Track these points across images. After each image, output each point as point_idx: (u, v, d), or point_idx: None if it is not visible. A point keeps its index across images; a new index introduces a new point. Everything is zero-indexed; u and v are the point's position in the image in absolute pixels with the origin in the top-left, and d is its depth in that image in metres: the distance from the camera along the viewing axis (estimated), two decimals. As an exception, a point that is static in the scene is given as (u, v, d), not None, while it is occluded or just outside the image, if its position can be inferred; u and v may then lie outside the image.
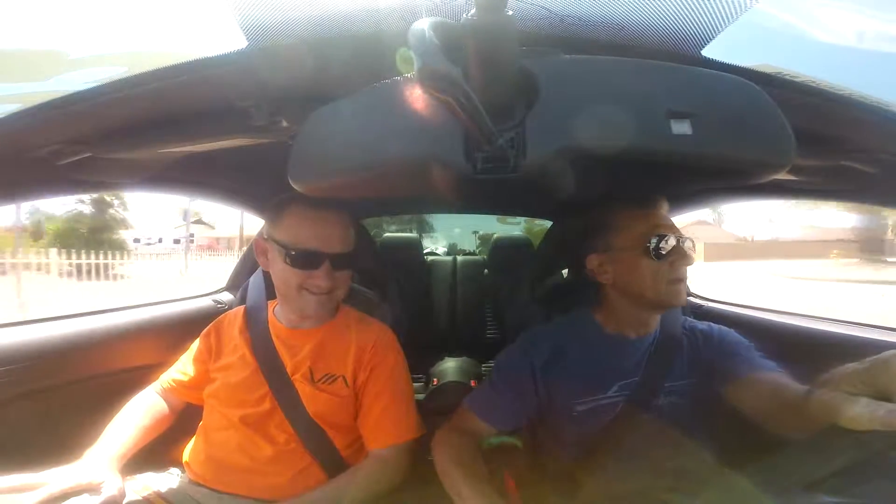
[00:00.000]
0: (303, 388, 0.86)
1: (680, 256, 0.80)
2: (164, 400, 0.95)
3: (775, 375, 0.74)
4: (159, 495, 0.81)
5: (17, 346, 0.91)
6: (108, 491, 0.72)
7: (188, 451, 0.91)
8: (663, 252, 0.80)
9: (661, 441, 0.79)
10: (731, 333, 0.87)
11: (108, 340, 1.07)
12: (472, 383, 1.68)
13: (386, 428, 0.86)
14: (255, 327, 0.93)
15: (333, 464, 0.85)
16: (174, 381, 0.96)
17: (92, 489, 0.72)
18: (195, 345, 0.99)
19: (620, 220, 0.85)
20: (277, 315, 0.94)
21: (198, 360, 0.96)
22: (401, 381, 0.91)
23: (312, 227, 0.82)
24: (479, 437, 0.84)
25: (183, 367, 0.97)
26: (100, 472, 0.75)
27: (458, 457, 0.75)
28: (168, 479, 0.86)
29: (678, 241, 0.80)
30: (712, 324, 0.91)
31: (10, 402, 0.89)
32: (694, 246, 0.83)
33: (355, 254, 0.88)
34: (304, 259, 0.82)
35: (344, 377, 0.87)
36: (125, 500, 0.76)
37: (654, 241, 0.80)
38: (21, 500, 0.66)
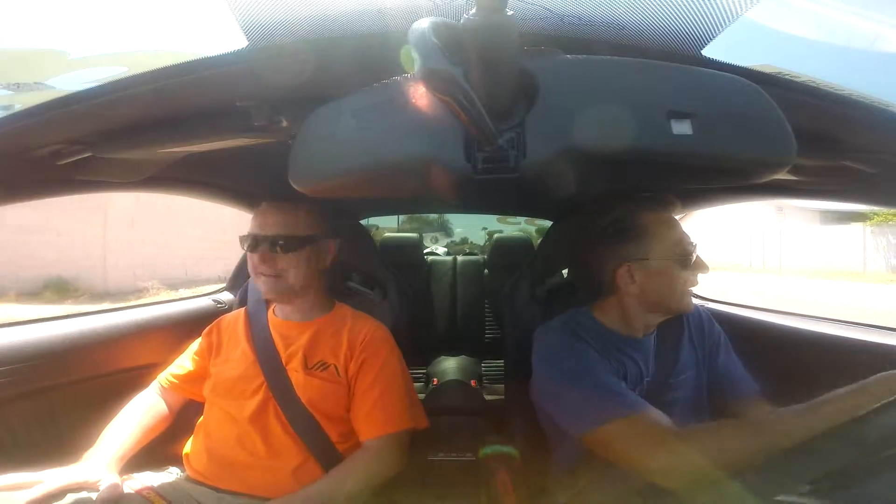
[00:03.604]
0: (297, 377, 0.88)
1: (701, 265, 0.79)
2: (163, 399, 0.96)
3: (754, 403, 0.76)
4: (158, 494, 0.81)
5: (17, 346, 0.91)
6: (105, 490, 0.72)
7: (187, 449, 0.92)
8: (693, 260, 0.77)
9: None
10: (719, 330, 0.88)
11: (108, 340, 1.07)
12: (472, 383, 1.68)
13: (378, 418, 0.87)
14: (256, 324, 0.96)
15: (330, 459, 0.86)
16: (174, 376, 0.98)
17: (88, 488, 0.72)
18: (196, 342, 1.00)
19: (652, 225, 0.79)
20: (275, 310, 0.98)
21: (198, 355, 0.98)
22: (394, 373, 0.92)
23: (256, 216, 0.92)
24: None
25: (182, 364, 0.99)
26: (97, 471, 0.76)
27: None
28: (167, 478, 0.87)
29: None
30: (701, 308, 0.91)
31: (10, 402, 0.89)
32: None
33: (302, 239, 0.91)
34: (249, 243, 0.91)
35: (336, 366, 0.90)
36: (125, 499, 0.76)
37: (686, 248, 0.77)
38: (16, 497, 0.66)
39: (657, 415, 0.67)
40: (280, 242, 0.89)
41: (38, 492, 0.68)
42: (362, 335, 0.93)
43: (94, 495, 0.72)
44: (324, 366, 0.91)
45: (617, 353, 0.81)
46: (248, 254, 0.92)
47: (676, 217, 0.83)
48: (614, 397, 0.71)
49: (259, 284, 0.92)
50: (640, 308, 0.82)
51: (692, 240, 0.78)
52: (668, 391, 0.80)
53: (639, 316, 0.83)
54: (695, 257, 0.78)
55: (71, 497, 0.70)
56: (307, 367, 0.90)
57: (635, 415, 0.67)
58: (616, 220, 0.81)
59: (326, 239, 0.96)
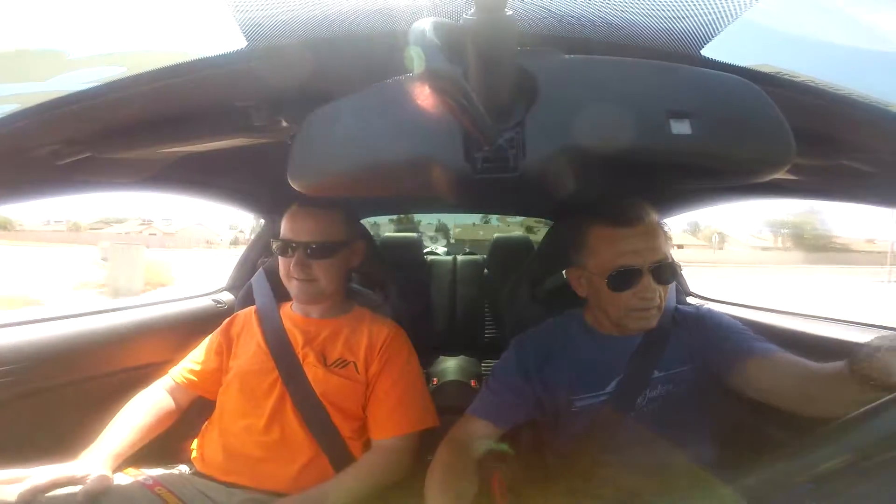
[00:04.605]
0: (315, 372, 0.89)
1: (643, 289, 0.76)
2: (173, 396, 0.97)
3: (782, 355, 0.74)
4: (168, 489, 0.81)
5: (17, 346, 0.91)
6: (91, 482, 0.72)
7: (198, 444, 0.92)
8: (623, 286, 0.77)
9: (648, 439, 0.79)
10: (719, 315, 0.86)
11: (108, 340, 1.07)
12: (472, 383, 1.67)
13: (396, 418, 0.88)
14: (268, 320, 0.98)
15: (341, 457, 0.86)
16: (189, 372, 0.98)
17: (77, 482, 0.72)
18: (209, 340, 1.01)
19: (592, 239, 0.82)
20: (292, 305, 1.00)
21: (214, 352, 0.99)
22: (414, 373, 0.95)
23: (289, 221, 0.93)
24: (478, 443, 0.82)
25: (197, 361, 0.99)
26: (88, 467, 0.76)
27: (444, 477, 0.72)
28: (177, 473, 0.87)
29: (647, 269, 0.76)
30: (700, 306, 0.91)
31: (10, 402, 0.89)
32: (676, 268, 0.79)
33: (335, 245, 0.92)
34: (281, 248, 0.93)
35: (355, 363, 0.91)
36: (135, 495, 0.77)
37: (614, 273, 0.77)
38: (4, 491, 0.66)
39: (473, 424, 0.83)
40: (314, 248, 0.90)
41: (25, 486, 0.68)
42: (384, 335, 0.95)
43: (79, 490, 0.71)
44: (343, 363, 0.92)
45: (596, 350, 0.86)
46: (280, 258, 0.93)
47: (638, 232, 0.78)
48: (480, 398, 0.87)
49: (291, 288, 0.94)
50: (600, 313, 0.86)
51: (636, 263, 0.76)
52: (655, 386, 0.82)
53: (605, 319, 0.86)
54: (631, 282, 0.76)
55: (59, 492, 0.70)
56: (326, 363, 0.91)
57: (465, 415, 0.85)
58: (571, 228, 0.88)
59: (356, 241, 0.99)
